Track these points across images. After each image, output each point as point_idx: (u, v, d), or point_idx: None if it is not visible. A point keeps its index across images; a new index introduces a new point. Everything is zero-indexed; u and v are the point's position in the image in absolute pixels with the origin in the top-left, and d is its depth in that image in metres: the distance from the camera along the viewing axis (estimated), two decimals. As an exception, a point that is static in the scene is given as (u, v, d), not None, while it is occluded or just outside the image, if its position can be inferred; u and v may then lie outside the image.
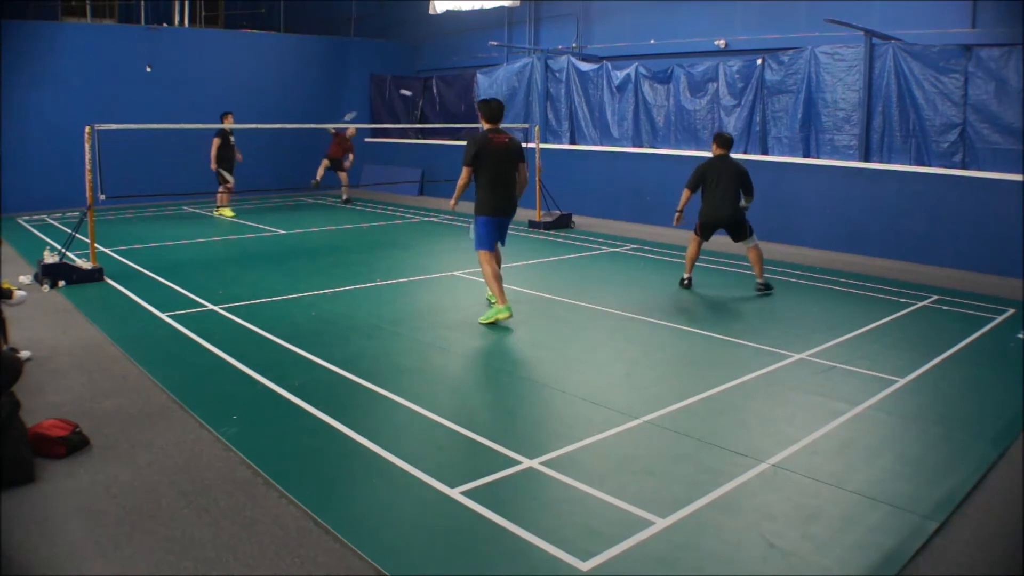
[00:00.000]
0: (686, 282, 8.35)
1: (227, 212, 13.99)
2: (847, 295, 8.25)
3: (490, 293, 7.02)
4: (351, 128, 15.51)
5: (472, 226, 6.93)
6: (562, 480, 3.89)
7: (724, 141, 8.22)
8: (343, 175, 15.73)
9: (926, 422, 4.82)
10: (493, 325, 6.77)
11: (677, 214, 8.31)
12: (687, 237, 8.64)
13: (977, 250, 9.70)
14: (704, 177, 8.12)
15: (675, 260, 10.03)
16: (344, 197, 16.27)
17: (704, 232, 8.25)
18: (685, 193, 8.25)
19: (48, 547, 3.32)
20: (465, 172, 6.66)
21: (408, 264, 9.82)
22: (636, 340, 6.55)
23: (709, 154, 8.40)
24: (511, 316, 6.78)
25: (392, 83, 19.01)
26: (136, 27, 16.22)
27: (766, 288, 8.15)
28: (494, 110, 6.72)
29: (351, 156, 15.73)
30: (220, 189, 13.70)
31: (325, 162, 15.55)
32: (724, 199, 8.03)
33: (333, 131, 15.47)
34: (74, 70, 14.81)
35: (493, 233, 6.85)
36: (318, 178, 15.64)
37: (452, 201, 6.97)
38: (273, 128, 14.01)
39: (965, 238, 9.84)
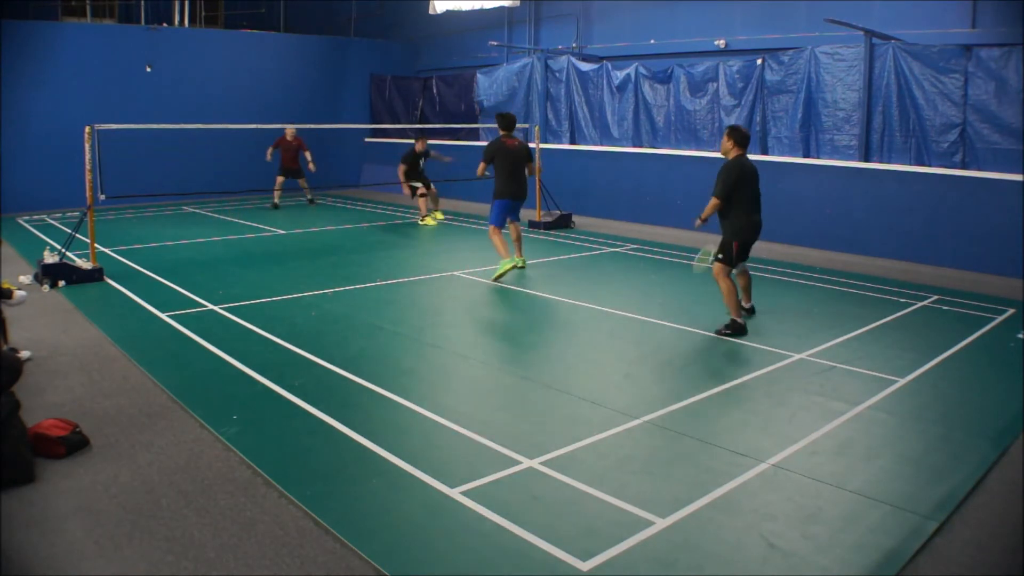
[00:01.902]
0: (745, 316, 6.86)
1: (430, 220, 13.20)
2: (847, 295, 8.25)
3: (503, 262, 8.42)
4: (289, 129, 14.52)
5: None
6: (562, 480, 3.89)
7: (745, 138, 6.67)
8: (303, 180, 14.94)
9: (926, 422, 4.81)
10: (493, 325, 6.77)
11: (699, 221, 6.83)
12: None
13: (977, 250, 9.70)
14: (737, 186, 6.49)
15: (675, 260, 10.03)
16: (308, 197, 15.47)
17: (743, 254, 6.69)
18: (714, 203, 6.55)
19: (48, 547, 3.32)
20: (482, 165, 8.56)
21: (408, 264, 9.82)
22: (636, 340, 6.54)
23: (710, 154, 8.21)
24: (521, 263, 8.78)
25: (392, 83, 19.01)
26: (136, 27, 16.23)
27: (752, 312, 7.15)
28: (508, 121, 8.67)
29: (308, 154, 14.71)
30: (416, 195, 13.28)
31: (280, 179, 14.79)
32: (758, 211, 6.71)
33: (290, 136, 14.48)
34: (74, 70, 14.80)
35: (504, 213, 8.65)
36: (276, 200, 15.03)
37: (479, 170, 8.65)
38: (273, 128, 13.98)
39: (965, 238, 9.84)
